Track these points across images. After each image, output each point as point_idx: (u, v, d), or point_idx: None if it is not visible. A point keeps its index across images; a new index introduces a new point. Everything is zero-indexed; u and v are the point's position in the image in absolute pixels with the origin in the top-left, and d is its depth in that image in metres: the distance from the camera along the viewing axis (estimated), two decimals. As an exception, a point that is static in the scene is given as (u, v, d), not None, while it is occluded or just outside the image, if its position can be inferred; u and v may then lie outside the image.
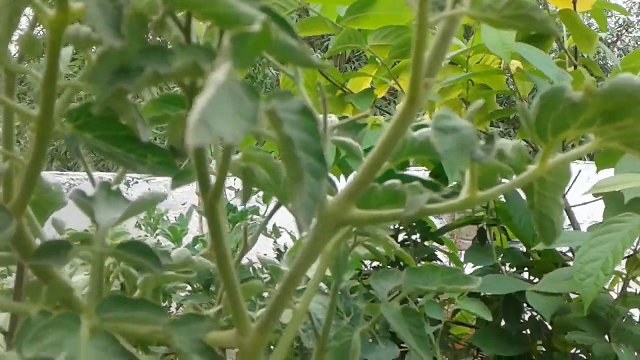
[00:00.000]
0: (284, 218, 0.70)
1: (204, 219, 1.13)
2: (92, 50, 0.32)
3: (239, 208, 1.14)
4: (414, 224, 1.11)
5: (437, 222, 1.48)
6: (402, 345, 0.84)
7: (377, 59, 1.13)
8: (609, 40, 9.87)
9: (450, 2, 0.33)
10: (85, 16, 0.27)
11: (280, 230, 1.26)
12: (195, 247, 1.00)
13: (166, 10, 0.27)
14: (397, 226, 1.12)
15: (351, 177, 0.40)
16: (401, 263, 1.02)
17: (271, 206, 0.72)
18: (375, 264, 1.17)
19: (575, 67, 1.08)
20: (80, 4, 0.26)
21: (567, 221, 1.06)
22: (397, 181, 0.40)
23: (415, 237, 1.11)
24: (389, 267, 0.85)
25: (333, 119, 0.51)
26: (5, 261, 0.37)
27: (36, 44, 0.32)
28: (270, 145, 0.91)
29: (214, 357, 0.30)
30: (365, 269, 1.18)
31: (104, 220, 0.35)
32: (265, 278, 0.76)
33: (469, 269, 1.12)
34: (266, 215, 0.92)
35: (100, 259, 0.34)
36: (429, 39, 0.32)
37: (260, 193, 1.28)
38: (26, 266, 0.40)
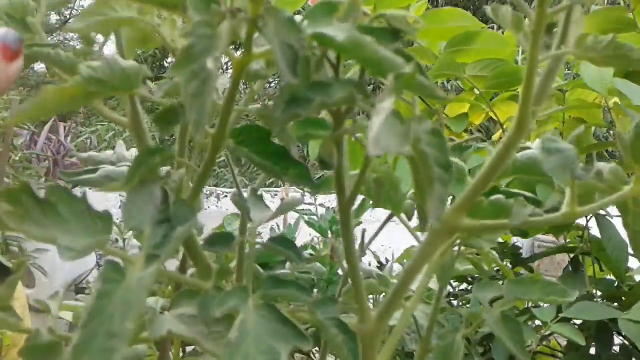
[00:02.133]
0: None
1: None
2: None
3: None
4: (505, 250, 1.14)
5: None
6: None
7: (475, 89, 1.18)
8: None
9: (557, 43, 0.38)
10: (256, 58, 0.35)
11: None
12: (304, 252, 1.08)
13: (323, 53, 0.35)
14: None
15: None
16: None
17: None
18: (463, 287, 1.20)
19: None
20: (261, 49, 0.34)
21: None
22: (501, 196, 0.46)
23: (506, 262, 1.13)
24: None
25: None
26: (175, 249, 0.46)
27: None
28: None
29: (347, 330, 0.37)
30: (452, 291, 1.22)
31: (256, 217, 0.43)
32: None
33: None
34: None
35: (254, 248, 0.42)
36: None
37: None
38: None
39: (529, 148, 0.52)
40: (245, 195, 0.47)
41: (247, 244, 0.44)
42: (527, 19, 0.37)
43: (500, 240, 1.24)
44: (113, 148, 0.62)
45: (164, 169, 0.44)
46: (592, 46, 0.36)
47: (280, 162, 0.42)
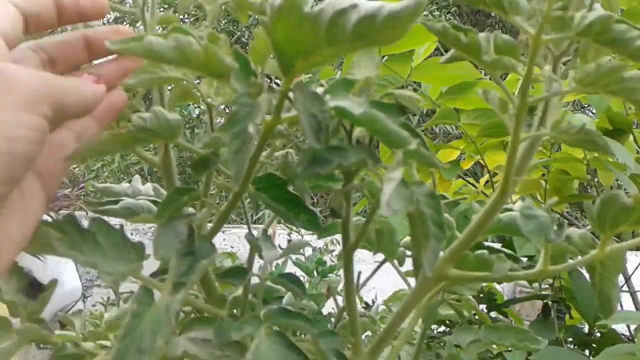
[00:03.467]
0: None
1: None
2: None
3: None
4: (481, 295, 1.20)
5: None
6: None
7: (468, 136, 1.26)
8: None
9: (536, 125, 0.45)
10: (283, 122, 0.41)
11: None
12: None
13: (338, 121, 0.41)
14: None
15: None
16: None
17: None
18: (441, 329, 1.26)
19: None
20: (289, 114, 0.40)
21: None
22: (485, 251, 0.52)
23: (482, 307, 1.19)
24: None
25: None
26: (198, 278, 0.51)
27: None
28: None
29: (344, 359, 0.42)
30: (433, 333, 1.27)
31: (267, 256, 0.48)
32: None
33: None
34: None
35: (264, 282, 0.47)
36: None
37: (334, 253, 1.43)
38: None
39: (511, 209, 0.58)
40: (255, 233, 0.53)
41: (255, 278, 0.50)
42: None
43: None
44: (100, 179, 0.67)
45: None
46: (566, 130, 0.42)
47: (293, 208, 0.48)
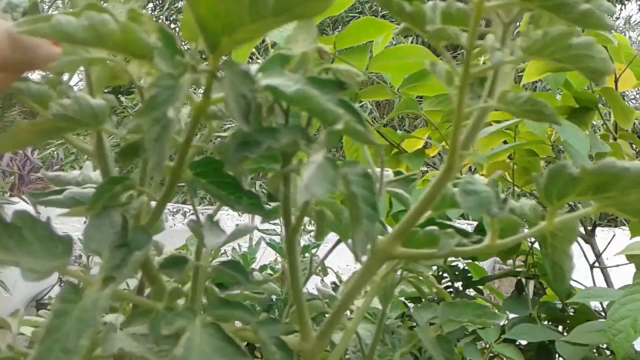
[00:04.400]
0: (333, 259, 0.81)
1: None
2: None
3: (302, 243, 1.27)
4: (457, 273, 1.20)
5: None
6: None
7: (431, 123, 1.25)
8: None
9: (484, 97, 0.43)
10: (213, 103, 0.39)
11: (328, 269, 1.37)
12: (263, 273, 1.11)
13: (274, 101, 0.39)
14: (441, 274, 1.21)
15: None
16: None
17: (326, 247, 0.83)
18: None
19: (615, 139, 1.16)
20: (219, 94, 0.38)
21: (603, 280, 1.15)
22: (435, 227, 0.50)
23: (458, 285, 1.19)
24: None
25: (389, 173, 0.61)
26: (132, 272, 0.49)
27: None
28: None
29: (286, 349, 0.41)
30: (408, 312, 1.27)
31: (210, 243, 0.46)
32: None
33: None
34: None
35: (205, 271, 0.45)
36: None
37: (312, 234, 1.42)
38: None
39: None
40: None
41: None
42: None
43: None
44: (80, 162, 0.64)
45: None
46: (512, 101, 0.41)
47: (234, 192, 0.46)
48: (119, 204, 0.44)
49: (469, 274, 1.23)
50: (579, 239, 1.23)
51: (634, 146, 1.28)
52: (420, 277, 0.66)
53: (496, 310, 0.58)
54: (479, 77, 0.46)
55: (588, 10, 0.32)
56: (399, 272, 0.62)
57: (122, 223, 0.43)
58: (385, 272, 0.56)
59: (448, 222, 0.51)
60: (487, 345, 0.98)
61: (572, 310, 1.13)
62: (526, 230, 0.48)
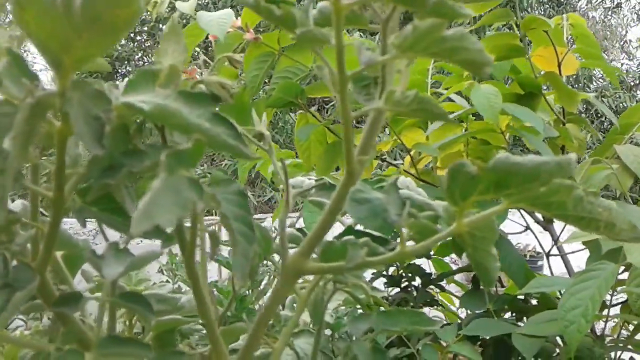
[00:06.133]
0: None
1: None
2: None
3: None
4: (410, 273, 1.18)
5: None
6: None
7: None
8: (632, 83, 9.82)
9: (377, 98, 0.41)
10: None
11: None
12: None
13: (141, 121, 0.36)
14: (401, 272, 1.19)
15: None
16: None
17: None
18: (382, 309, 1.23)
19: (564, 124, 1.15)
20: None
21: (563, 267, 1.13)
22: (352, 237, 0.48)
23: (418, 283, 1.17)
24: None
25: (310, 182, 0.59)
26: (38, 308, 0.46)
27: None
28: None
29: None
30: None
31: (109, 274, 0.43)
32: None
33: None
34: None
35: (104, 305, 0.42)
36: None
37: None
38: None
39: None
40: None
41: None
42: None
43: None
44: None
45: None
46: (399, 101, 0.38)
47: (128, 218, 0.43)
48: None
49: (425, 272, 1.21)
50: (538, 226, 1.22)
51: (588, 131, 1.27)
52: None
53: (432, 319, 0.56)
54: (374, 77, 0.44)
55: (439, 1, 0.30)
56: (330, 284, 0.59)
57: (3, 263, 0.40)
58: (311, 286, 0.53)
59: (365, 230, 0.49)
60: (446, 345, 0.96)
61: (535, 300, 1.11)
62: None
